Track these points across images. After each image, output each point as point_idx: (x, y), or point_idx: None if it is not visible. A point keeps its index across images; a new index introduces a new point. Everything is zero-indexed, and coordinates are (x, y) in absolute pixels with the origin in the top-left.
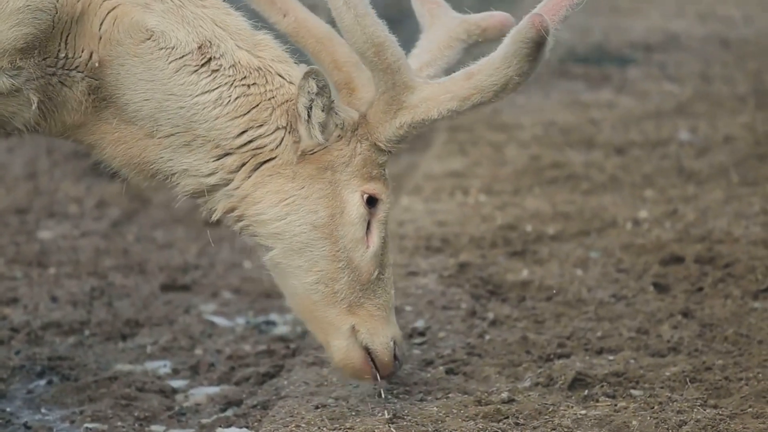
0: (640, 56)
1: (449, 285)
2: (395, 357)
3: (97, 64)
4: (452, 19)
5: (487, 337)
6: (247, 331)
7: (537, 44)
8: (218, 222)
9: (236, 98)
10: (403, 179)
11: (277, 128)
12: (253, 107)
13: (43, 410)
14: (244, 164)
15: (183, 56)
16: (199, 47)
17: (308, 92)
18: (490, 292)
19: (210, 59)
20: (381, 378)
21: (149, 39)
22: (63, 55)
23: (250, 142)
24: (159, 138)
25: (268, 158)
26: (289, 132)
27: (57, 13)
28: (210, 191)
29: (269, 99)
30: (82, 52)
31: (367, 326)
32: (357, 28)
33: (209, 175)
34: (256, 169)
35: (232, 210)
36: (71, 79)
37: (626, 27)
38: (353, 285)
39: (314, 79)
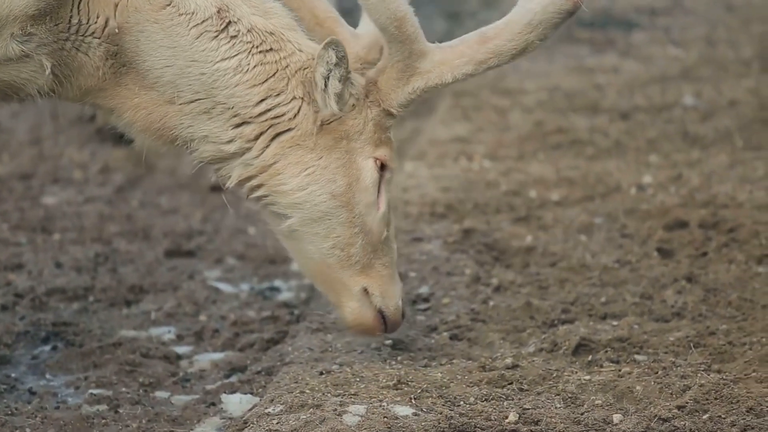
0: (645, 20)
1: (453, 251)
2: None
3: (116, 30)
4: None
5: (491, 302)
6: (251, 297)
7: (570, 15)
8: (221, 188)
9: (254, 66)
10: (408, 145)
11: (294, 98)
12: (270, 76)
13: (47, 376)
14: (262, 133)
15: (203, 21)
16: (218, 11)
17: (327, 62)
18: (495, 258)
19: (229, 23)
20: (390, 333)
21: (169, 5)
22: (76, 21)
23: (268, 110)
24: (180, 104)
25: (286, 129)
26: (308, 103)
27: None
28: (228, 159)
29: (284, 68)
30: (97, 18)
31: (379, 288)
32: (382, 4)
33: (228, 142)
34: (273, 138)
35: (249, 179)
36: (86, 45)
37: None
38: (366, 247)
39: (334, 49)
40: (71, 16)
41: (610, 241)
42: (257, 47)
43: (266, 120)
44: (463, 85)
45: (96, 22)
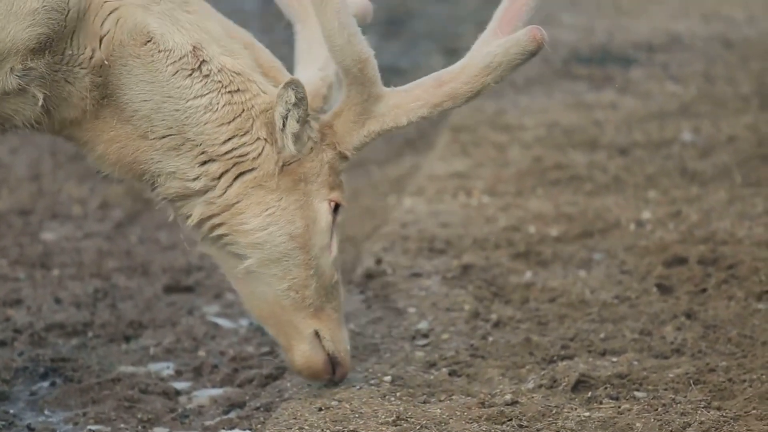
0: (643, 57)
1: (452, 286)
2: None
3: (105, 62)
4: None
5: (491, 338)
6: (250, 333)
7: (532, 56)
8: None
9: (223, 105)
10: (406, 180)
11: (258, 138)
12: (237, 115)
13: (46, 412)
14: (226, 172)
15: (180, 59)
16: (193, 50)
17: (286, 102)
18: (494, 294)
19: (202, 62)
20: (336, 380)
21: (150, 41)
22: (69, 52)
23: (233, 149)
24: (152, 139)
25: (249, 168)
26: (271, 144)
27: (69, 12)
28: (192, 196)
29: (250, 108)
30: (85, 49)
31: (330, 332)
32: (348, 47)
33: (194, 179)
34: (237, 177)
35: (210, 217)
36: (74, 76)
37: (629, 27)
38: (319, 290)
39: (294, 89)
40: (65, 48)
41: (609, 277)
42: (226, 87)
43: (231, 158)
44: (461, 121)
45: (83, 53)
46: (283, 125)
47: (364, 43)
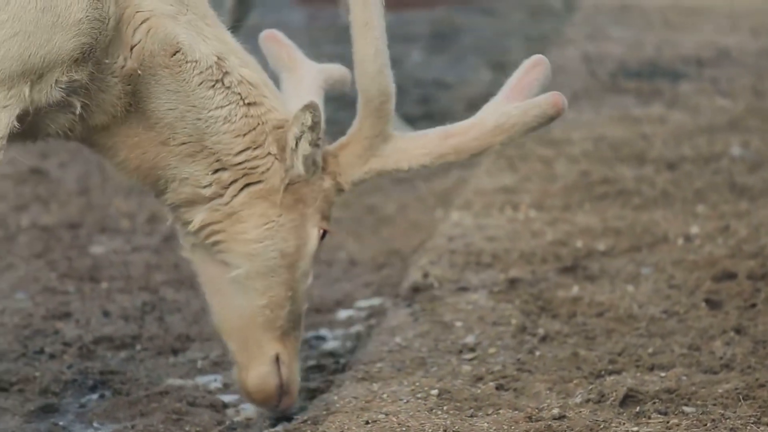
0: (692, 71)
1: (499, 301)
2: None
3: (138, 72)
4: (311, 66)
5: (538, 353)
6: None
7: (550, 122)
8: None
9: (240, 117)
10: (453, 194)
11: (269, 154)
12: (252, 129)
13: (95, 424)
14: (235, 181)
15: (206, 70)
16: (217, 61)
17: (302, 123)
18: (541, 308)
19: (225, 74)
20: (279, 409)
21: (178, 52)
22: (106, 61)
23: (245, 161)
24: (172, 146)
25: (257, 180)
26: (280, 161)
27: (108, 21)
28: (199, 202)
29: (264, 123)
30: (118, 58)
31: (289, 359)
32: (378, 77)
33: (206, 186)
34: (243, 188)
35: (211, 224)
36: (107, 84)
37: (678, 42)
38: (291, 315)
39: (311, 113)
40: (102, 57)
41: (658, 291)
42: (244, 99)
43: (242, 169)
44: None
45: (117, 62)
46: (296, 146)
47: (391, 79)
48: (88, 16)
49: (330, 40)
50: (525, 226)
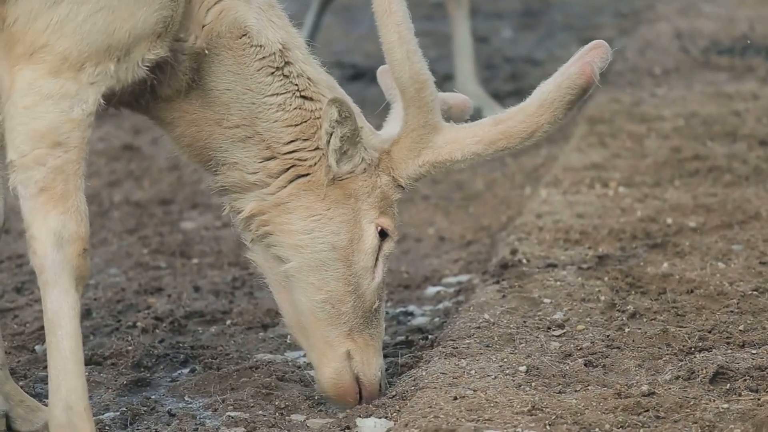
0: None
1: (588, 277)
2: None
3: (205, 51)
4: None
5: (627, 329)
6: (385, 322)
7: (584, 92)
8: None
9: (294, 108)
10: (542, 171)
11: (317, 147)
12: (304, 121)
13: (186, 398)
14: (283, 171)
15: (268, 56)
16: (281, 50)
17: (330, 118)
18: (630, 285)
19: (285, 63)
20: (361, 404)
21: (245, 35)
22: (181, 36)
23: (295, 151)
24: (225, 127)
25: (305, 173)
26: (326, 156)
27: None
28: (247, 189)
29: (316, 118)
30: (190, 35)
31: (361, 355)
32: (406, 63)
33: (253, 173)
34: (292, 180)
35: (260, 213)
36: (176, 59)
37: None
38: (357, 310)
39: (337, 107)
40: (177, 31)
41: (749, 268)
42: (301, 92)
43: (291, 159)
44: (598, 112)
45: (188, 40)
46: (328, 141)
47: (424, 64)
48: None
49: (420, 16)
50: (614, 202)
